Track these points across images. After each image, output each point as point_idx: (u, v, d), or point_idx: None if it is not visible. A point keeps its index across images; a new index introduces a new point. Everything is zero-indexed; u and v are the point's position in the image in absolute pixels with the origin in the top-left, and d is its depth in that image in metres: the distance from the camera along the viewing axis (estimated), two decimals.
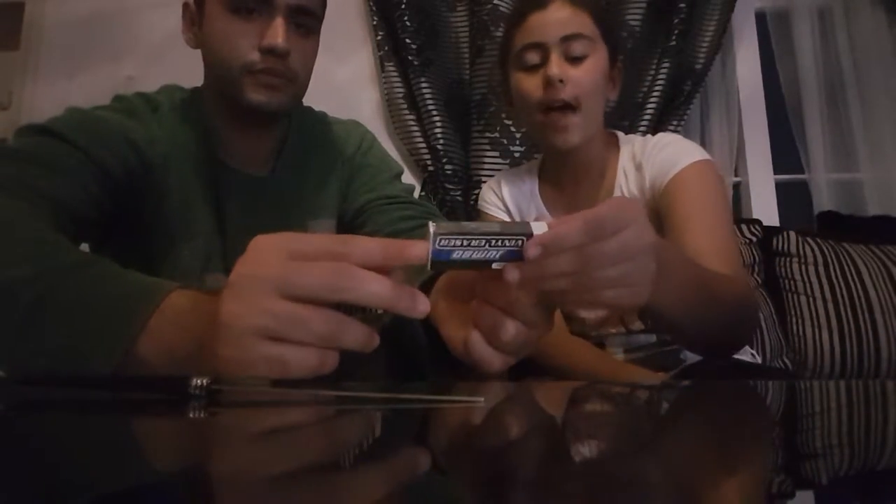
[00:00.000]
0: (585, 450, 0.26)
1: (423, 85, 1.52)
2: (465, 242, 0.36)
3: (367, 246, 0.36)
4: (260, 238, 0.38)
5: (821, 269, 1.35)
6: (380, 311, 0.37)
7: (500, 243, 0.37)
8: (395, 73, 1.55)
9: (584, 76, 0.85)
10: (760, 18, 1.68)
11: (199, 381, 0.34)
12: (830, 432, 0.29)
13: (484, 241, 0.37)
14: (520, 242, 0.37)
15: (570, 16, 0.86)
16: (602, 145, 0.92)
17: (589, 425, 0.32)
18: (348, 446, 0.27)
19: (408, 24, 1.52)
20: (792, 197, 1.62)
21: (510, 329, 0.41)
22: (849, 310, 1.30)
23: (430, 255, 0.37)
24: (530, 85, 0.87)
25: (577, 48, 0.85)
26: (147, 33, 1.67)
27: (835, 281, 1.33)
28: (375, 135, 0.94)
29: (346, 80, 1.59)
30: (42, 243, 0.47)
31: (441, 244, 0.36)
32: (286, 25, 0.69)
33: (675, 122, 1.50)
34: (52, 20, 1.69)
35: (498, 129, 1.50)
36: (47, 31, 1.69)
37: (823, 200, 1.56)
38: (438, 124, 1.50)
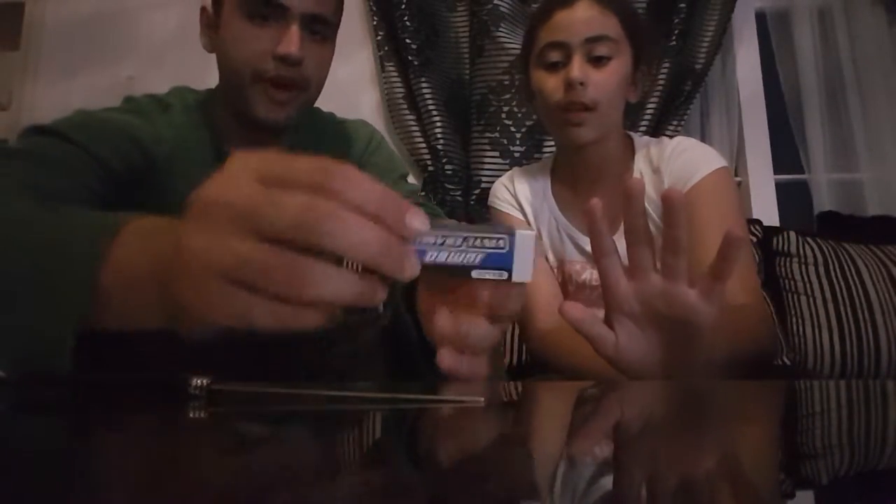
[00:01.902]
0: (587, 450, 0.26)
1: (423, 85, 1.52)
2: (440, 241, 0.32)
3: (363, 188, 0.30)
4: (237, 155, 0.32)
5: (821, 269, 1.35)
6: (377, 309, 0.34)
7: (479, 243, 0.32)
8: (395, 73, 1.56)
9: (606, 79, 0.84)
10: (760, 18, 1.68)
11: (199, 382, 0.34)
12: (830, 432, 0.29)
13: (461, 241, 0.32)
14: (502, 243, 0.33)
15: (597, 16, 0.85)
16: (619, 147, 0.92)
17: (591, 426, 0.32)
18: (346, 447, 0.27)
19: (408, 24, 1.52)
20: (792, 197, 1.63)
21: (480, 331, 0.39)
22: (849, 310, 1.30)
23: None
24: (551, 84, 0.86)
25: (601, 50, 0.84)
26: (147, 33, 1.68)
27: (835, 281, 1.33)
28: None
29: (346, 80, 1.59)
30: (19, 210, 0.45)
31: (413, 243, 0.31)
32: (301, 33, 0.69)
33: (675, 122, 1.50)
34: (52, 20, 1.69)
35: (498, 129, 1.50)
36: (47, 31, 1.69)
37: (823, 200, 1.56)
38: (438, 124, 1.50)
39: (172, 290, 0.32)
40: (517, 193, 0.99)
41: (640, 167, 0.90)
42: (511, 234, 0.33)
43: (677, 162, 0.86)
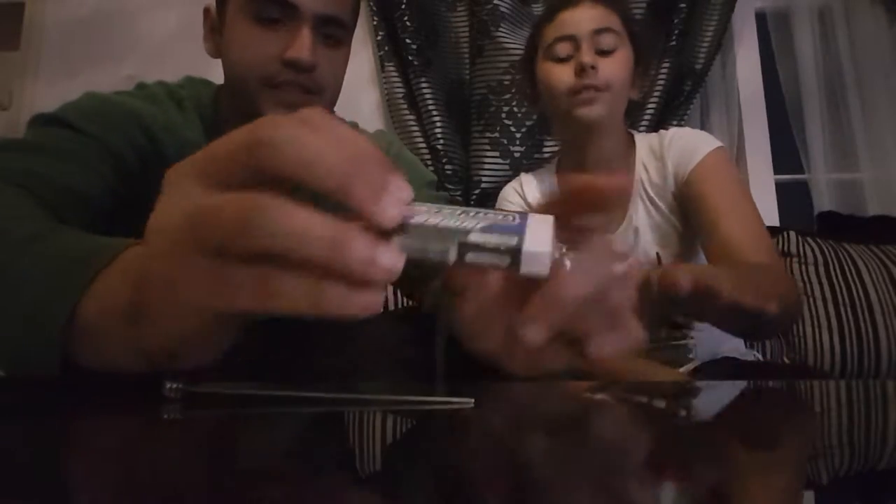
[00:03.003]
0: (584, 452, 0.26)
1: (423, 85, 1.52)
2: (436, 209, 0.25)
3: (296, 153, 0.23)
4: (174, 167, 0.27)
5: (821, 269, 1.35)
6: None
7: (482, 215, 0.25)
8: (395, 73, 1.56)
9: (615, 64, 0.89)
10: (760, 18, 1.68)
11: (173, 384, 0.33)
12: (830, 432, 0.29)
13: (460, 211, 0.25)
14: (512, 218, 0.25)
15: (601, 13, 0.90)
16: (621, 142, 0.96)
17: (591, 427, 0.32)
18: (320, 448, 0.27)
19: (408, 24, 1.52)
20: (792, 197, 1.62)
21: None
22: (849, 310, 1.30)
23: None
24: (561, 73, 0.90)
25: (608, 41, 0.89)
26: (147, 33, 1.68)
27: (835, 281, 1.33)
28: None
29: (346, 80, 1.58)
30: (8, 220, 0.42)
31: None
32: (313, 36, 0.64)
33: (675, 123, 1.50)
34: (52, 20, 1.69)
35: (498, 129, 1.50)
36: (47, 31, 1.69)
37: (823, 200, 1.56)
38: (438, 124, 1.50)
39: (159, 327, 0.27)
40: (526, 196, 1.01)
41: (643, 157, 0.94)
42: (524, 215, 0.26)
43: (677, 147, 0.91)
